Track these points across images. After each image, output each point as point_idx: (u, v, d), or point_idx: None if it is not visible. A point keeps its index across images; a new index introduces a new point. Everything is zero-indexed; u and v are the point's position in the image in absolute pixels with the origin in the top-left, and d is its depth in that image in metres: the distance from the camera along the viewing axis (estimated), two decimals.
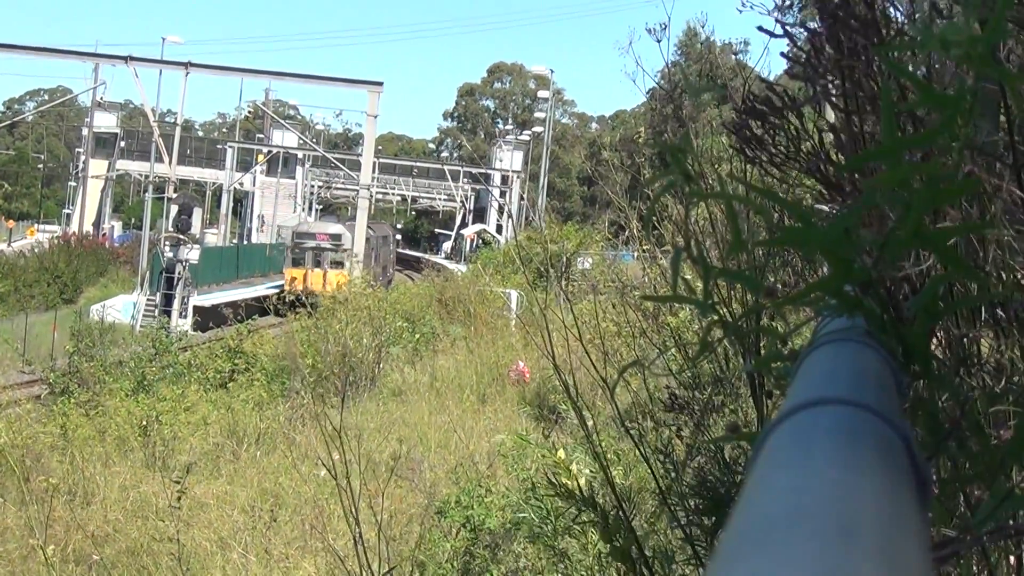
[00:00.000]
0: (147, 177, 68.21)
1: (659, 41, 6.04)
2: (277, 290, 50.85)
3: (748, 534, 0.73)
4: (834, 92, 1.99)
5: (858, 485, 0.79)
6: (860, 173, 1.82)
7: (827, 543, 0.69)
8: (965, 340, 1.86)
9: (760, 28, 2.27)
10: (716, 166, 5.05)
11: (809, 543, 0.69)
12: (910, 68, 1.78)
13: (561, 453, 5.37)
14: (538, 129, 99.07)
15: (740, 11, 4.45)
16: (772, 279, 3.18)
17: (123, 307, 52.95)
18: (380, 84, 53.64)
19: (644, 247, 7.27)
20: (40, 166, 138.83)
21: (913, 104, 1.64)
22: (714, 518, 3.99)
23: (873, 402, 0.98)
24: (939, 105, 1.17)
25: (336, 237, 58.15)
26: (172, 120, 71.41)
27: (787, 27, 2.23)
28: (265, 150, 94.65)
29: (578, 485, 4.87)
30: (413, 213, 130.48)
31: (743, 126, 2.21)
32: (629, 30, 6.27)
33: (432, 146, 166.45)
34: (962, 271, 1.29)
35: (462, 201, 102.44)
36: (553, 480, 4.99)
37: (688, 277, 1.36)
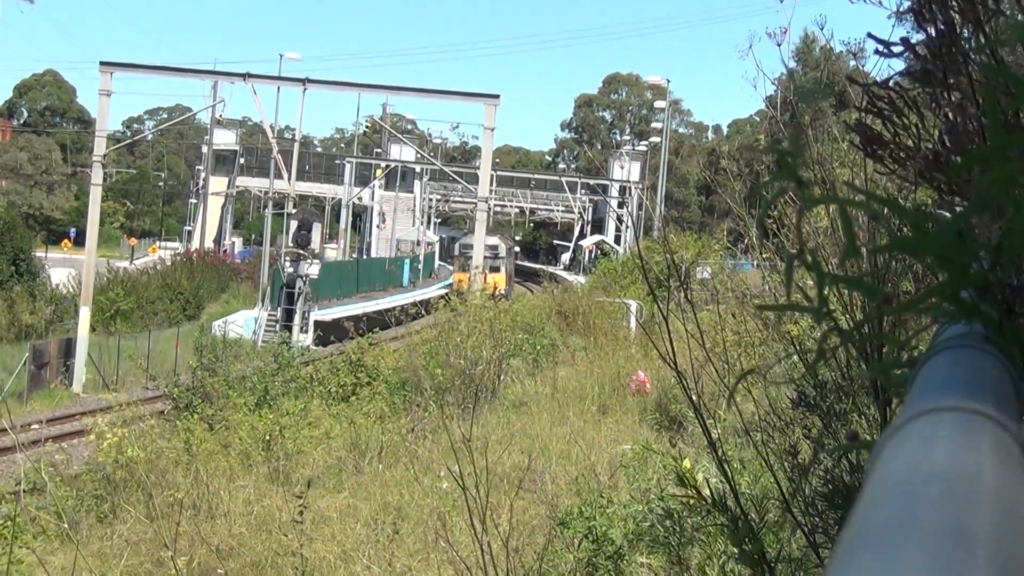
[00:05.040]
0: (266, 193, 69.05)
1: (779, 45, 6.01)
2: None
3: (864, 538, 0.74)
4: (944, 92, 1.98)
5: (974, 491, 0.80)
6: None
7: (941, 547, 0.70)
8: None
9: (869, 34, 2.26)
10: (834, 171, 5.01)
11: (923, 546, 0.70)
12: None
13: (687, 462, 5.37)
14: (655, 139, 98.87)
15: (853, 2, 4.41)
16: (890, 286, 3.15)
17: (244, 322, 53.64)
18: (497, 97, 53.52)
19: (764, 255, 7.21)
20: (160, 184, 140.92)
21: (1015, 104, 1.62)
22: (838, 525, 3.96)
23: (990, 409, 0.98)
24: None
25: (493, 247, 70.49)
26: (290, 136, 72.02)
27: (903, 39, 2.21)
28: (383, 164, 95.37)
29: (709, 491, 4.86)
30: (531, 225, 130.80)
31: (865, 124, 2.20)
32: (749, 34, 6.22)
33: (549, 158, 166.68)
34: None
35: (580, 212, 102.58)
36: (685, 480, 4.98)
37: (809, 283, 1.36)
